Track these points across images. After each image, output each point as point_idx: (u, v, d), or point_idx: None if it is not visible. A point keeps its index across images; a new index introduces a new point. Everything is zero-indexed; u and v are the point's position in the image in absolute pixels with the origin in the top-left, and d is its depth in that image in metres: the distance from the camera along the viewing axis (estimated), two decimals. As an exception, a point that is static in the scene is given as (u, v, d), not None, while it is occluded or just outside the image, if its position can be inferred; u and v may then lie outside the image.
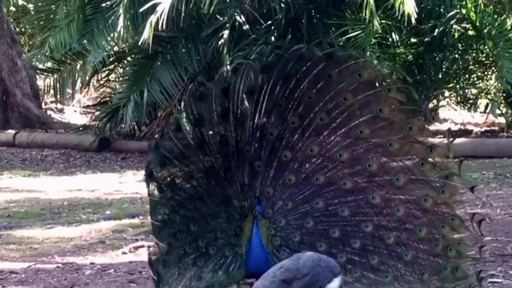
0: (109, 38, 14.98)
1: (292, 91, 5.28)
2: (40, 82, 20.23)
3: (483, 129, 16.72)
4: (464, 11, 14.59)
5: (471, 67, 16.07)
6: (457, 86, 16.07)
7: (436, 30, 14.42)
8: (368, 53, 12.36)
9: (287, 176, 5.24)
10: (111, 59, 16.31)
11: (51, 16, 15.81)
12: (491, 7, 15.57)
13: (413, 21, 12.39)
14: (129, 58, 16.93)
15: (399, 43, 14.63)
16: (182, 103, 5.51)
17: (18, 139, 18.10)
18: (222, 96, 5.29)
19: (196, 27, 14.49)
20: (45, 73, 17.30)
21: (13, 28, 21.82)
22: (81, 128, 18.34)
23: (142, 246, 8.07)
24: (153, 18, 12.27)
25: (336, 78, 5.28)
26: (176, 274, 5.26)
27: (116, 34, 14.54)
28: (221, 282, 5.25)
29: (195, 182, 5.34)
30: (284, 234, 5.23)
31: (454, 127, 16.46)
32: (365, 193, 5.18)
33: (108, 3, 14.67)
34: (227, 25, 13.59)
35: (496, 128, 16.61)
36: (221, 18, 13.96)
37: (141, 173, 9.46)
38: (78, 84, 17.59)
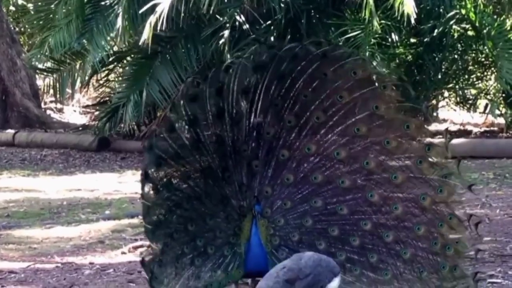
0: (108, 38, 14.99)
1: (287, 90, 5.28)
2: (40, 82, 20.23)
3: (483, 129, 16.71)
4: (463, 11, 14.59)
5: (470, 67, 16.07)
6: (457, 86, 16.08)
7: (436, 31, 14.42)
8: (367, 53, 12.36)
9: (286, 175, 5.24)
10: (110, 59, 16.31)
11: (51, 15, 15.82)
12: (490, 7, 15.58)
13: (413, 21, 12.40)
14: (128, 58, 16.93)
15: (398, 44, 14.63)
16: (174, 103, 5.48)
17: (17, 139, 18.09)
18: (216, 96, 5.30)
19: (195, 27, 14.49)
20: (45, 73, 17.31)
21: (12, 28, 21.81)
22: (80, 128, 18.33)
23: (141, 246, 8.06)
24: (152, 19, 12.27)
25: (331, 77, 5.29)
26: (173, 274, 5.26)
27: (115, 34, 14.54)
28: (220, 281, 5.26)
29: (192, 182, 5.34)
30: (283, 234, 5.24)
31: (454, 128, 16.46)
32: (363, 191, 5.19)
33: (108, 2, 14.68)
34: (227, 25, 13.60)
35: (496, 128, 16.60)
36: (221, 18, 13.96)
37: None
38: (78, 84, 17.59)
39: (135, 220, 9.50)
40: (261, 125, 5.27)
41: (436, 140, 5.56)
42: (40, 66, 17.07)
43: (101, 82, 18.25)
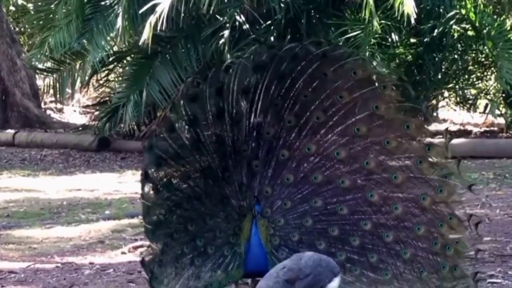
0: (108, 38, 14.99)
1: (287, 90, 5.28)
2: (40, 82, 20.23)
3: (483, 129, 16.71)
4: (463, 11, 14.59)
5: (470, 67, 16.07)
6: (457, 86, 16.08)
7: (436, 31, 14.42)
8: (367, 53, 12.36)
9: (286, 175, 5.24)
10: (110, 59, 16.31)
11: (51, 15, 15.82)
12: (490, 7, 15.58)
13: (413, 21, 12.40)
14: (128, 58, 16.93)
15: (398, 44, 14.63)
16: (174, 103, 5.47)
17: (17, 139, 18.09)
18: (216, 96, 5.30)
19: (195, 27, 14.49)
20: (45, 73, 17.31)
21: (12, 28, 21.81)
22: (80, 128, 18.33)
23: (141, 246, 8.06)
24: (152, 19, 12.27)
25: (331, 77, 5.29)
26: (173, 274, 5.26)
27: (115, 34, 14.54)
28: (220, 281, 5.26)
29: (192, 182, 5.34)
30: (283, 234, 5.24)
31: (454, 128, 16.46)
32: (363, 191, 5.19)
33: (108, 2, 14.68)
34: (227, 25, 13.60)
35: (496, 128, 16.60)
36: (221, 18, 13.96)
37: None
38: (78, 84, 17.59)
39: (135, 220, 9.50)
40: (261, 125, 5.27)
41: (436, 140, 5.56)
42: (40, 66, 17.07)
43: (101, 82, 18.25)
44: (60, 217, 10.07)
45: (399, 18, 12.28)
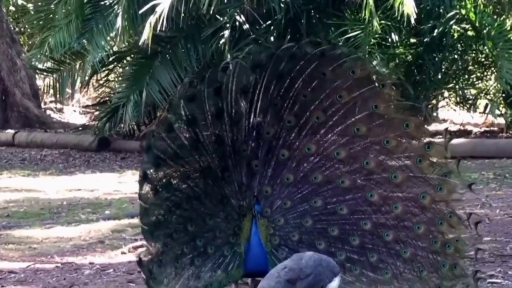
0: (108, 38, 14.99)
1: (287, 90, 5.28)
2: (40, 82, 20.23)
3: (483, 129, 16.71)
4: (463, 11, 14.59)
5: (470, 67, 16.07)
6: (457, 86, 16.08)
7: (436, 31, 14.42)
8: (367, 53, 12.37)
9: (285, 175, 5.24)
10: (110, 59, 16.31)
11: (51, 15, 15.82)
12: (490, 7, 15.58)
13: (413, 21, 12.40)
14: (128, 58, 16.93)
15: (398, 44, 14.63)
16: (172, 103, 5.46)
17: (17, 139, 18.09)
18: (215, 96, 5.29)
19: (195, 27, 14.49)
20: (45, 73, 17.31)
21: (12, 28, 21.81)
22: (80, 128, 18.33)
23: (141, 246, 8.04)
24: (152, 19, 12.26)
25: (330, 76, 5.29)
26: (173, 274, 5.26)
27: (115, 34, 14.54)
28: (220, 281, 5.26)
29: (192, 182, 5.34)
30: (283, 233, 5.24)
31: (454, 128, 16.46)
32: (363, 191, 5.19)
33: (107, 2, 14.68)
34: (227, 25, 13.60)
35: (496, 128, 16.60)
36: (221, 18, 13.97)
37: (140, 173, 9.46)
38: (78, 84, 17.59)
39: (135, 220, 9.48)
40: (260, 125, 5.27)
41: (436, 140, 5.56)
42: (40, 66, 17.07)
43: (101, 82, 18.25)
44: (60, 217, 10.07)
45: (399, 18, 12.28)
